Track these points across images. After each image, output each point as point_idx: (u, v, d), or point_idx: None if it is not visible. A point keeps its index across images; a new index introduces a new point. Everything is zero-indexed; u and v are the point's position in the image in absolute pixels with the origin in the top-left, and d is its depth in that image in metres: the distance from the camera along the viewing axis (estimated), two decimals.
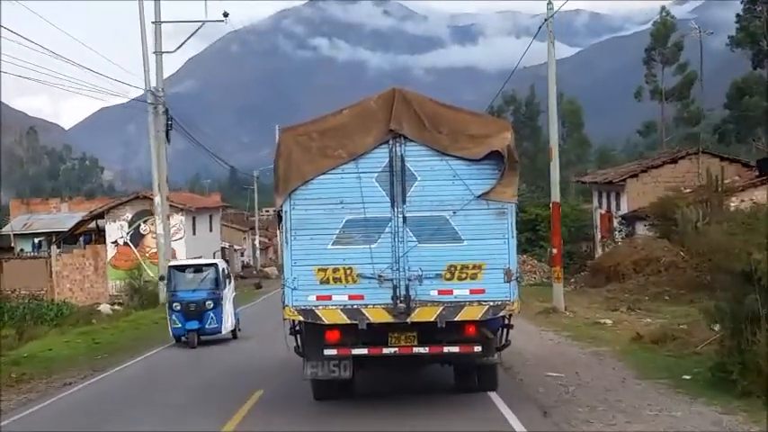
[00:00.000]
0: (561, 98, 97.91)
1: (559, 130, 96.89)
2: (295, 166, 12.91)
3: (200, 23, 39.99)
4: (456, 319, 12.78)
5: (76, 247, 61.47)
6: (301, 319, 13.01)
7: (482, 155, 12.74)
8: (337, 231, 12.82)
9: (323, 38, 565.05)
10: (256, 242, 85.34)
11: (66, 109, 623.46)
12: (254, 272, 73.25)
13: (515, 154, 12.88)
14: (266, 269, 75.78)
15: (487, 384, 14.39)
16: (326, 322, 12.88)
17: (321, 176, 12.90)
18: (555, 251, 29.00)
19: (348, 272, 12.81)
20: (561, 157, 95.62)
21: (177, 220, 53.75)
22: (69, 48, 33.30)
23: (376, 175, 12.85)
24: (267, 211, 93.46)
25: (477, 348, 13.01)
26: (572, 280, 40.21)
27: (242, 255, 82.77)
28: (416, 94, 13.35)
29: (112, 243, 57.66)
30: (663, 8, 78.46)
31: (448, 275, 12.77)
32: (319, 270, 12.83)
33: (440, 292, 12.77)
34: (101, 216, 59.82)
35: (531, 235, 54.10)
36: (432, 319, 12.75)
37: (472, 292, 12.74)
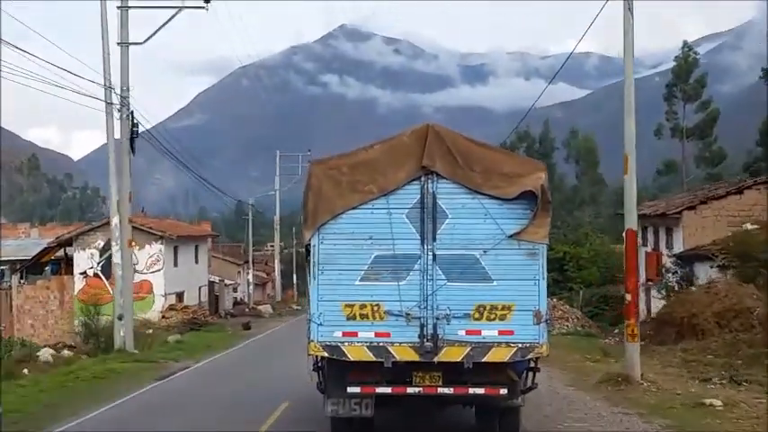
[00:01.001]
0: (576, 135, 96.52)
1: (574, 168, 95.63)
2: (324, 200, 12.78)
3: (177, 10, 32.03)
4: (483, 360, 12.56)
5: (42, 277, 53.90)
6: (326, 355, 12.80)
7: (515, 194, 12.59)
8: (366, 267, 12.66)
9: (333, 74, 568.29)
10: (250, 277, 79.36)
11: (75, 140, 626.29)
12: (247, 309, 66.98)
13: (549, 194, 12.71)
14: (260, 307, 69.91)
15: (509, 428, 14.11)
16: (352, 359, 12.67)
17: (351, 211, 12.77)
18: (629, 297, 21.06)
19: (375, 308, 12.64)
20: (576, 197, 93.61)
21: (156, 249, 49.96)
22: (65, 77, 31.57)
23: (406, 211, 12.71)
24: (269, 246, 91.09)
25: (503, 391, 12.79)
26: (615, 331, 36.05)
27: (235, 290, 76.41)
28: (450, 130, 13.18)
29: (81, 274, 50.44)
30: (685, 43, 76.07)
31: (476, 315, 12.58)
32: (346, 306, 12.67)
33: (468, 332, 12.58)
34: (69, 243, 52.30)
35: (557, 276, 49.18)
36: (459, 360, 12.54)
37: (501, 333, 12.54)
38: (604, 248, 54.20)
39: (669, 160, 76.82)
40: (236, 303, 71.27)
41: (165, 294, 50.43)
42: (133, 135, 31.64)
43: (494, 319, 12.53)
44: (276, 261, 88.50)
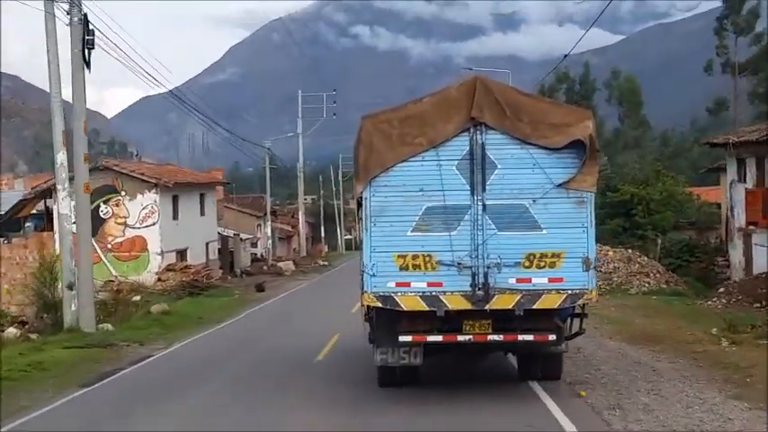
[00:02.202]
0: (617, 76, 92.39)
1: (616, 110, 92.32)
2: (375, 154, 13.02)
3: None
4: (534, 307, 12.83)
5: (21, 235, 45.26)
6: (380, 305, 13.06)
7: (563, 143, 12.81)
8: (417, 218, 12.95)
9: (364, 26, 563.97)
10: (267, 230, 68.37)
11: (108, 98, 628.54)
12: (266, 267, 59.54)
13: (596, 143, 12.89)
14: (281, 263, 61.94)
15: (552, 373, 14.46)
16: (405, 308, 12.97)
17: (401, 164, 13.02)
18: None
19: (427, 258, 12.91)
20: (618, 141, 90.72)
21: (149, 199, 42.43)
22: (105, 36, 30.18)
23: (456, 162, 12.95)
24: (303, 200, 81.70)
25: (552, 337, 13.13)
26: (720, 290, 29.90)
27: (254, 245, 67.83)
28: (498, 82, 13.40)
29: None
30: None
31: (527, 263, 12.85)
32: (398, 257, 12.95)
33: (518, 280, 12.86)
34: (48, 194, 42.16)
35: (623, 221, 43.64)
36: (510, 307, 12.83)
37: (551, 280, 12.82)
38: (678, 190, 47.59)
39: (720, 97, 72.09)
40: (254, 260, 63.83)
41: (162, 252, 42.56)
42: (87, 45, 24.55)
43: (543, 267, 12.80)
44: (300, 212, 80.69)
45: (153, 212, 42.54)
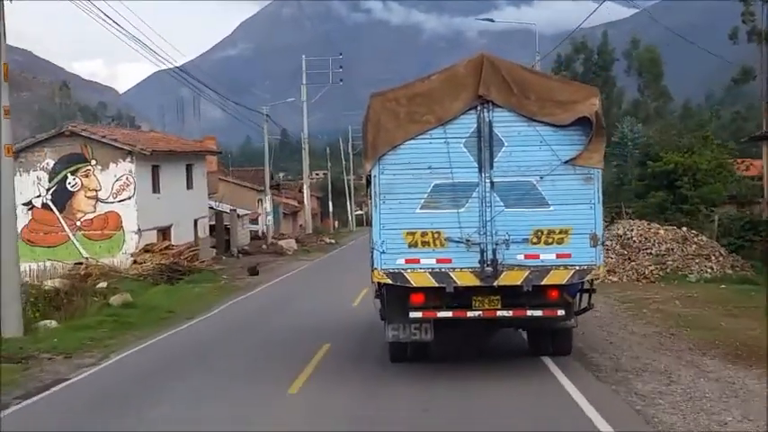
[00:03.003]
0: (637, 45, 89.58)
1: (636, 81, 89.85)
2: (384, 132, 13.12)
3: None
4: (542, 283, 12.97)
5: None
6: (390, 282, 13.20)
7: (570, 120, 12.87)
8: (425, 196, 13.07)
9: (377, 0, 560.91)
10: (267, 204, 60.32)
11: (121, 72, 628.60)
12: (265, 246, 53.81)
13: (603, 120, 12.94)
14: (282, 242, 55.78)
15: (562, 348, 14.63)
16: (415, 285, 13.11)
17: (409, 141, 13.12)
18: None
19: (436, 236, 13.05)
20: (640, 111, 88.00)
21: (124, 169, 37.17)
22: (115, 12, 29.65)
23: (464, 140, 13.05)
24: (311, 175, 77.41)
25: (561, 312, 13.29)
26: None
27: (254, 222, 62.23)
28: (504, 60, 13.45)
29: (24, 205, 36.08)
30: None
31: (534, 240, 12.97)
32: (408, 234, 13.08)
33: (526, 257, 12.97)
34: None
35: (667, 195, 38.18)
36: (518, 283, 12.97)
37: (558, 256, 12.93)
38: (727, 159, 41.70)
39: (747, 66, 71.21)
40: (254, 238, 58.58)
41: (140, 230, 37.48)
42: None
43: (551, 243, 12.93)
44: (305, 186, 74.24)
45: (128, 185, 37.36)
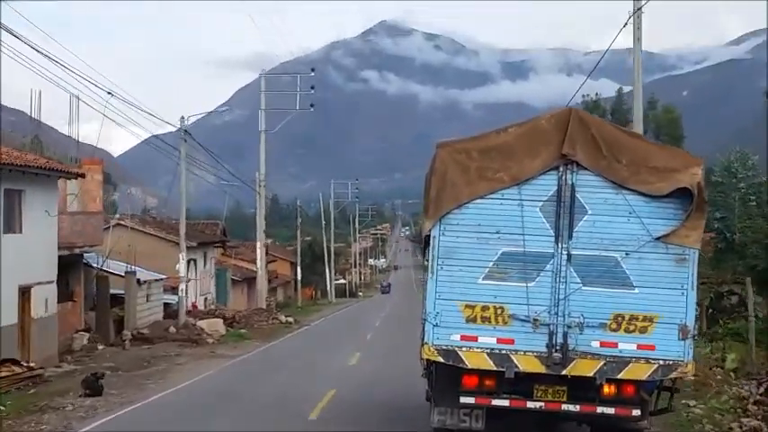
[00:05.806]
0: (653, 106, 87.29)
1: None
2: (450, 187, 11.55)
3: None
4: (618, 377, 11.29)
5: None
6: (441, 360, 11.57)
7: (666, 191, 11.28)
8: (491, 264, 11.47)
9: (373, 71, 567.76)
10: (181, 267, 39.62)
11: (116, 136, 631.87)
12: (174, 329, 37.25)
13: (705, 193, 11.35)
14: (203, 322, 39.45)
15: None
16: (469, 366, 11.48)
17: (478, 201, 11.54)
18: None
19: (499, 311, 11.44)
20: None
21: None
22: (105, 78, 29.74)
23: (540, 204, 11.47)
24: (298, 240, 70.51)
25: (636, 412, 11.53)
26: None
27: (175, 290, 41.57)
28: (595, 117, 12.05)
29: None
30: None
31: (613, 326, 11.34)
32: (466, 306, 11.48)
33: (602, 344, 11.33)
34: None
35: None
36: (590, 374, 11.30)
37: (640, 347, 11.26)
38: None
39: None
40: (167, 316, 40.94)
41: None
42: None
43: (633, 331, 11.29)
44: (258, 247, 57.05)
45: None
